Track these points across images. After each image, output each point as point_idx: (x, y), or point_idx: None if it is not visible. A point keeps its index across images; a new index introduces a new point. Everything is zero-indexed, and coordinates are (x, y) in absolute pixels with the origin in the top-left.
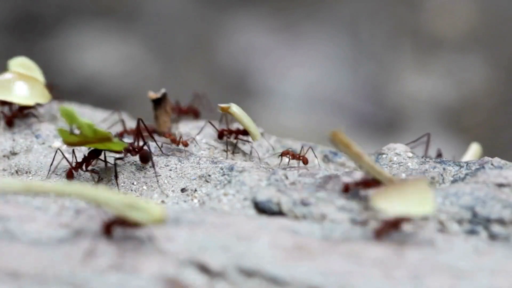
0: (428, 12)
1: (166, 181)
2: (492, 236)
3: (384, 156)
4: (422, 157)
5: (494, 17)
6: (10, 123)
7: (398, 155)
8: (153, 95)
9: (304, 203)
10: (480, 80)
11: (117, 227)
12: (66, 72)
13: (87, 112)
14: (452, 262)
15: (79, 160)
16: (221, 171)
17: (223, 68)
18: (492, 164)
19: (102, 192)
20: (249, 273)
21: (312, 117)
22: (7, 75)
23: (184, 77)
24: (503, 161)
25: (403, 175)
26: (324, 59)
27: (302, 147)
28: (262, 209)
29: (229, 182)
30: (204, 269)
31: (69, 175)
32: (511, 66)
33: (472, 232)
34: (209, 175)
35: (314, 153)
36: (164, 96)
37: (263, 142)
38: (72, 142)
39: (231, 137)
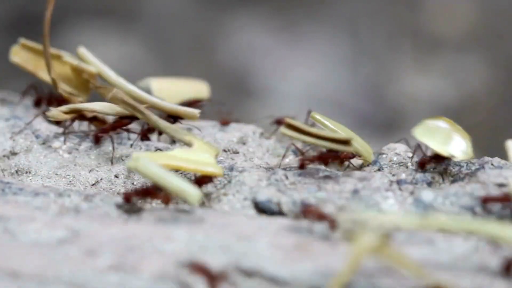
0: (428, 12)
1: None
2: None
3: (384, 156)
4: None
5: (494, 17)
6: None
7: (398, 155)
8: None
9: (304, 203)
10: (480, 80)
11: None
12: None
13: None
14: (452, 262)
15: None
16: None
17: (223, 68)
18: (492, 164)
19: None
20: (249, 273)
21: None
22: (442, 124)
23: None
24: (503, 161)
25: (403, 175)
26: (324, 59)
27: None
28: (262, 209)
29: (229, 182)
30: None
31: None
32: (511, 66)
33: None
34: None
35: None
36: None
37: (263, 142)
38: None
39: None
